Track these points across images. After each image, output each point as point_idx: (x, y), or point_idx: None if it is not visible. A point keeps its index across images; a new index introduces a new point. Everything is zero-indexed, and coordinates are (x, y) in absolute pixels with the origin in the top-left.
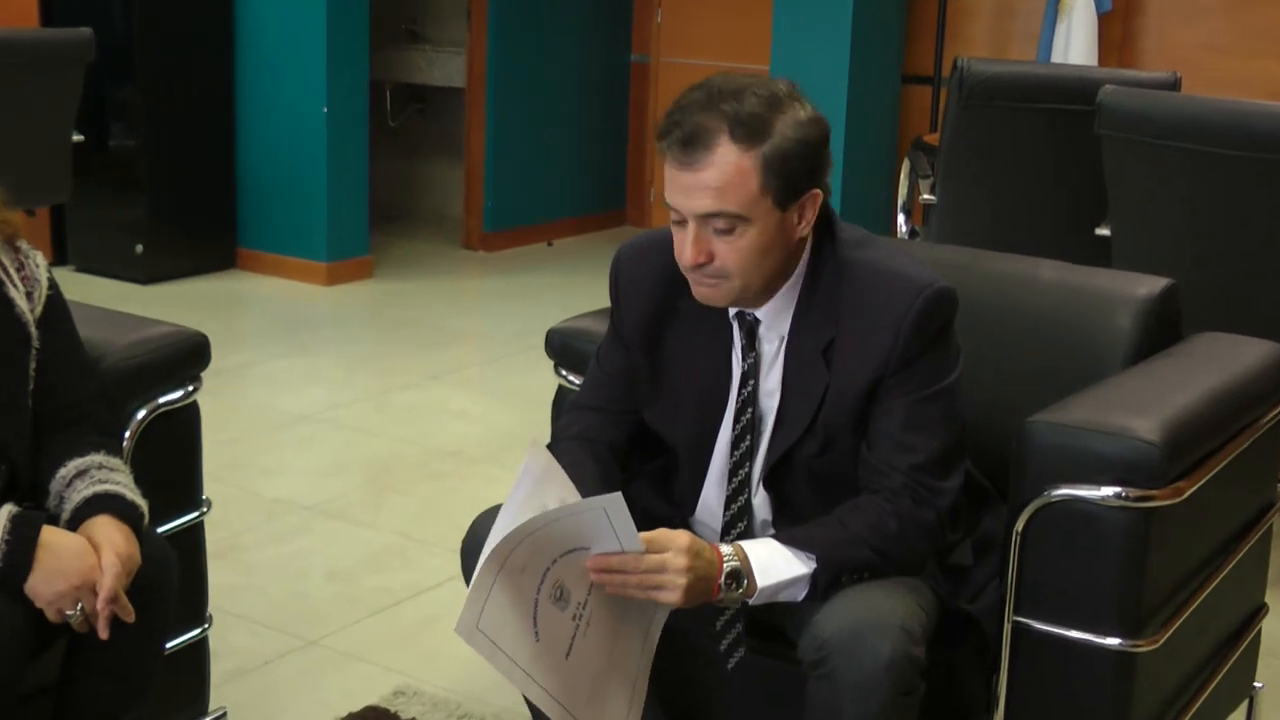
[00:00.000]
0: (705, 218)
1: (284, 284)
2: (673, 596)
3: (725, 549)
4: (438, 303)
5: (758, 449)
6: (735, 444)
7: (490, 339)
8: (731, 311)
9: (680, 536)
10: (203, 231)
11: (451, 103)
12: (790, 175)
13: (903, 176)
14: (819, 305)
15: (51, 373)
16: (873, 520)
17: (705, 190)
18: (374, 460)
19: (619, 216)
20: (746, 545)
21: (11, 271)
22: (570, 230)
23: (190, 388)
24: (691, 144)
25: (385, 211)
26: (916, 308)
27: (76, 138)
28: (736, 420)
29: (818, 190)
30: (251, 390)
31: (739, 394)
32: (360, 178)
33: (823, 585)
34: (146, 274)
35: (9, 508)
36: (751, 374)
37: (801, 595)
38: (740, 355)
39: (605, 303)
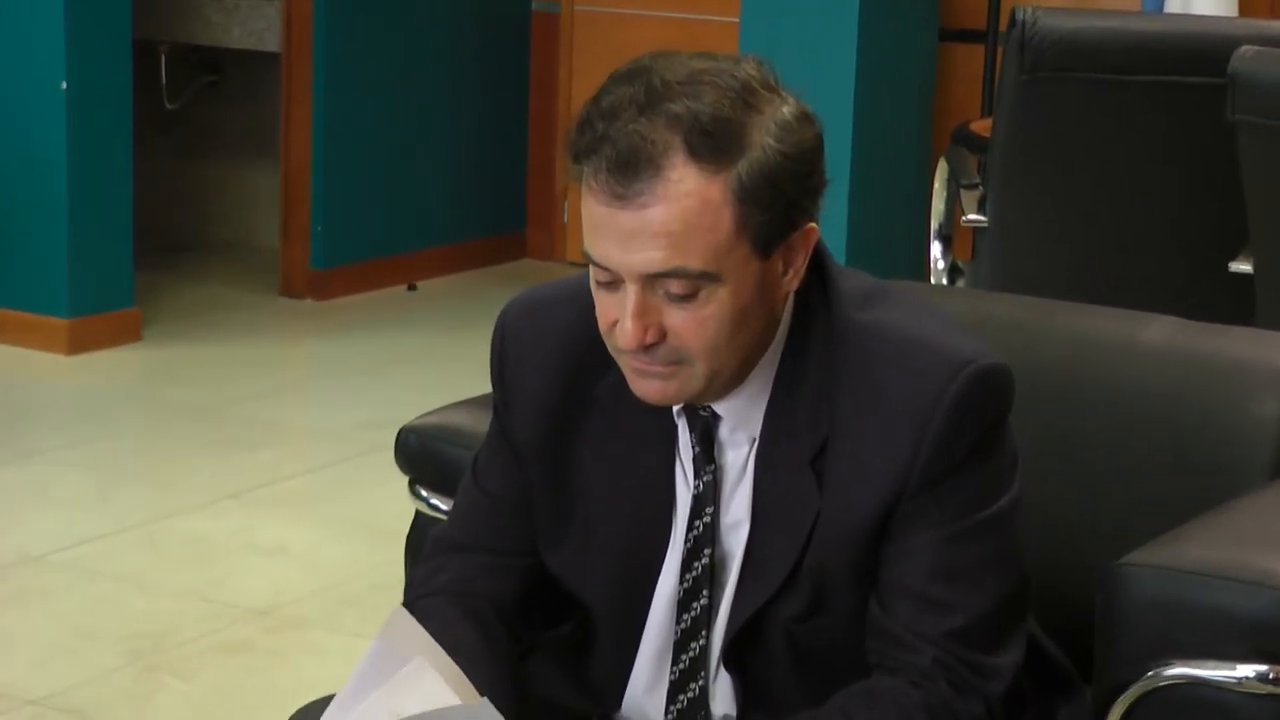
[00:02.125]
0: (654, 279)
1: (1, 353)
2: None
3: None
4: (240, 380)
5: (716, 610)
6: (684, 605)
7: (320, 436)
8: (678, 404)
9: None
10: None
11: (261, 74)
12: (776, 206)
13: (938, 186)
14: (806, 393)
15: None
16: (891, 716)
17: (654, 238)
18: (140, 626)
19: (517, 245)
20: None
21: None
22: (442, 266)
23: None
24: (630, 168)
25: (161, 240)
26: (951, 396)
27: None
28: (686, 569)
29: (812, 224)
30: None
31: (690, 530)
32: (120, 190)
33: None
34: None
35: None
36: (708, 498)
37: None
38: (691, 470)
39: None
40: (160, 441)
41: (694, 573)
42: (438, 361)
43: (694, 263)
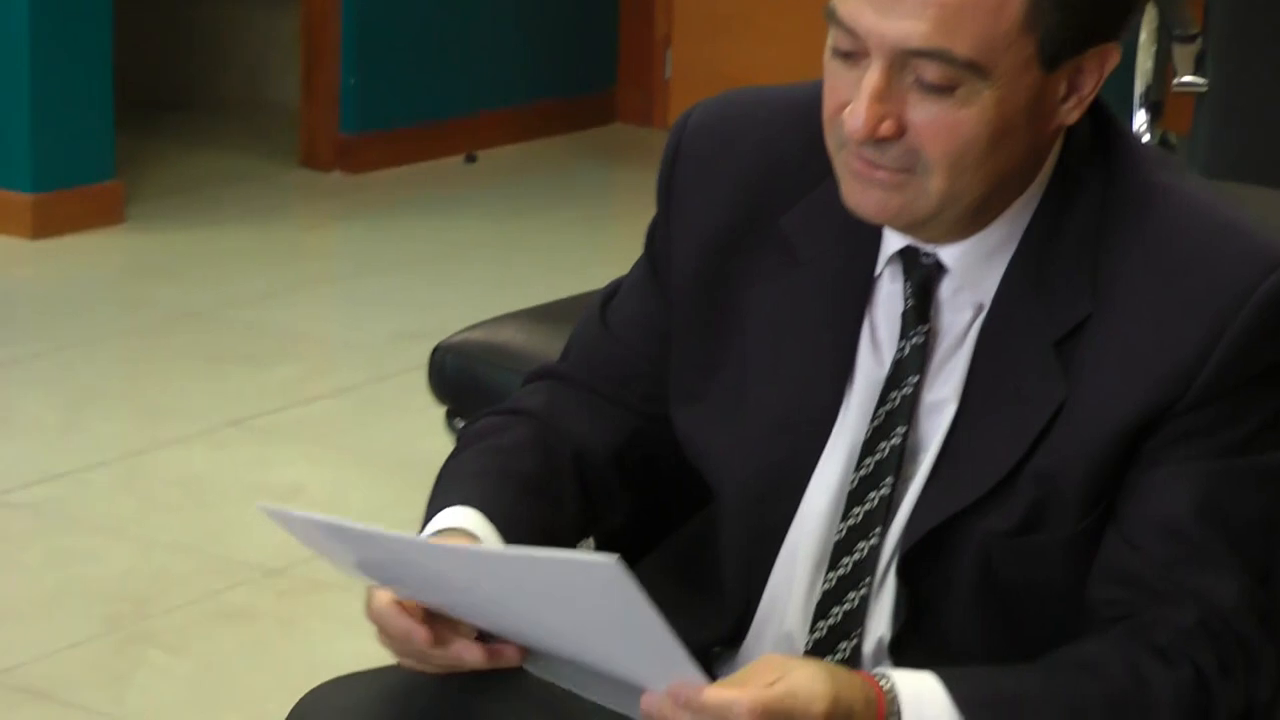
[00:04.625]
0: (909, 57)
1: None
2: None
3: (889, 681)
4: (248, 276)
5: (896, 506)
6: (857, 496)
7: (348, 349)
8: (889, 247)
9: (797, 672)
10: None
11: None
12: (1079, 6)
13: (1144, 37)
14: (1066, 258)
15: None
16: (1125, 689)
17: (923, 6)
18: (119, 587)
19: (604, 107)
20: (901, 682)
21: None
22: (509, 133)
23: None
24: None
25: (149, 96)
26: (1265, 292)
27: None
28: (868, 450)
29: (1114, 45)
30: None
31: (881, 404)
32: (98, 32)
33: None
34: None
35: None
36: (913, 365)
37: None
38: (896, 330)
39: (579, 280)
40: (146, 354)
41: (878, 455)
42: (501, 254)
43: (962, 47)
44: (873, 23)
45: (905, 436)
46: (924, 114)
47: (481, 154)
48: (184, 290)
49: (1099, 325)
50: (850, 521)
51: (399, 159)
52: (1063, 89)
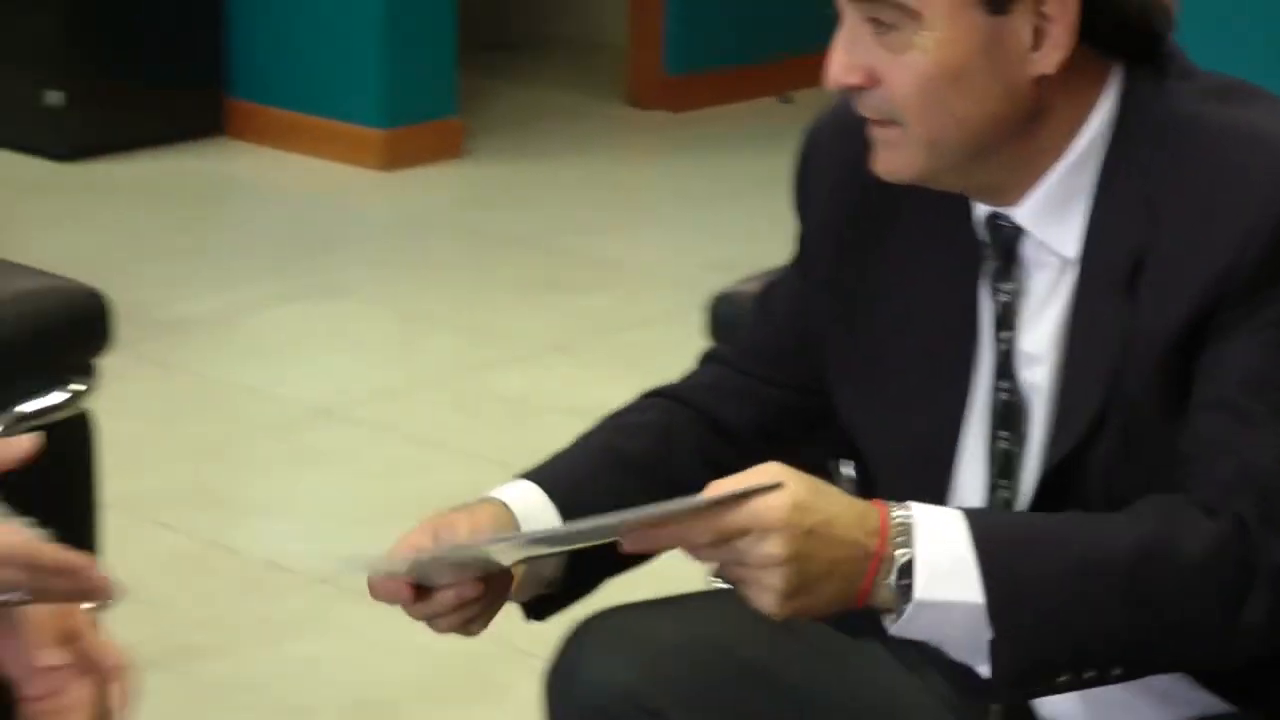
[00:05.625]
0: (861, 4)
1: (306, 166)
2: (766, 600)
3: (900, 512)
4: (575, 206)
5: (1020, 457)
6: (991, 450)
7: (669, 277)
8: (981, 211)
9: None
10: (163, 74)
11: None
12: None
13: None
14: (1130, 203)
15: None
16: (1155, 534)
17: None
18: (441, 497)
19: None
20: (922, 518)
21: None
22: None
23: (79, 387)
24: None
25: (488, 37)
26: None
27: None
28: (990, 408)
29: None
30: (233, 361)
31: (995, 354)
32: None
33: (1007, 664)
34: (66, 141)
35: None
36: (1005, 324)
37: (978, 658)
38: (989, 284)
39: None
40: (479, 280)
41: (996, 407)
42: None
43: None
44: None
45: (1010, 391)
46: (883, 60)
47: (796, 95)
48: (515, 220)
49: (1154, 255)
50: (992, 474)
51: (719, 99)
52: (1027, 36)
